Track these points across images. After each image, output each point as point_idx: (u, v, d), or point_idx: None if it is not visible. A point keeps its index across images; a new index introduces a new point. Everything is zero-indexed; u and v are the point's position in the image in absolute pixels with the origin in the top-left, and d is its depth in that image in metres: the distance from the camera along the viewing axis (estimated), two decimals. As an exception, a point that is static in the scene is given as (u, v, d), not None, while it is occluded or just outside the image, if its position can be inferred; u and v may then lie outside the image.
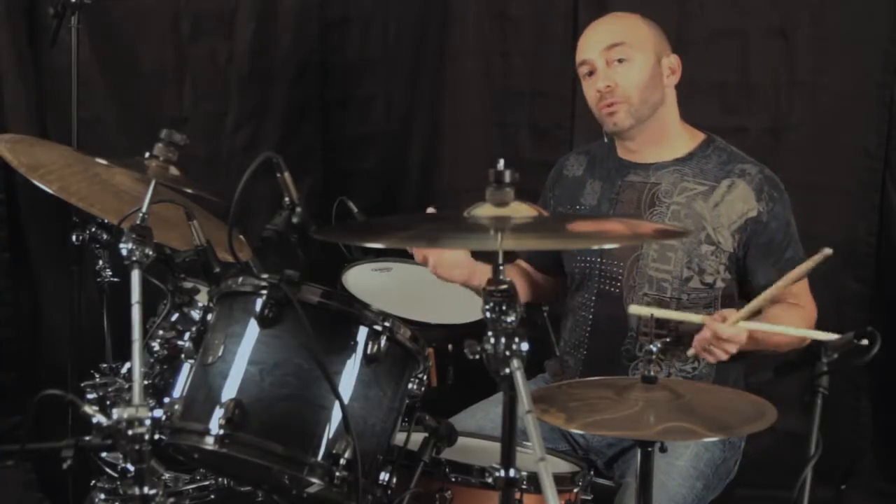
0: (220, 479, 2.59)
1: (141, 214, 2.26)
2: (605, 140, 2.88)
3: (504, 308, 1.73)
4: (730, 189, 2.70)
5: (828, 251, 2.39)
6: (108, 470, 2.56)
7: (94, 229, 2.74)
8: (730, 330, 2.44)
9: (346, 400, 2.10)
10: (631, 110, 2.70)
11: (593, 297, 2.78)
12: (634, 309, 2.59)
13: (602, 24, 2.80)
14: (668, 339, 2.66)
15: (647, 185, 2.76)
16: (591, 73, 2.74)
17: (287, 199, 2.14)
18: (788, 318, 2.65)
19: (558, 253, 2.92)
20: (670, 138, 2.77)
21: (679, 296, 2.68)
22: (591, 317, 2.78)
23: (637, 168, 2.79)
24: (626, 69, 2.70)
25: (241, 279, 2.22)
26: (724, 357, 2.48)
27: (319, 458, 2.09)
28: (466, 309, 2.86)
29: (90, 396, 2.55)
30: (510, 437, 1.79)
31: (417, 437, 2.30)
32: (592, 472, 2.49)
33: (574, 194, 2.88)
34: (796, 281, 2.48)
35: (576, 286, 2.84)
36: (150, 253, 2.22)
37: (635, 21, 2.78)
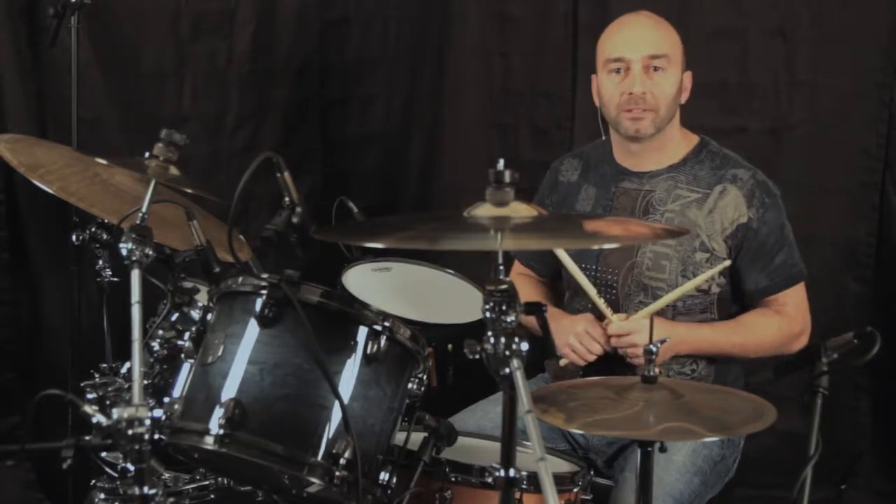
0: (219, 479, 2.59)
1: (141, 214, 2.26)
2: (603, 138, 2.87)
3: (504, 308, 1.74)
4: (721, 195, 2.70)
5: (727, 262, 2.56)
6: (108, 470, 2.56)
7: (94, 229, 2.74)
8: (621, 324, 2.56)
9: (345, 400, 2.10)
10: (656, 120, 2.70)
11: (590, 305, 2.78)
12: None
13: (647, 29, 2.74)
14: (668, 340, 2.67)
15: (640, 193, 2.76)
16: (620, 71, 2.70)
17: (287, 199, 2.14)
18: (764, 326, 2.70)
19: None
20: (669, 146, 2.77)
21: (675, 303, 2.68)
22: None
23: (632, 175, 2.79)
24: (661, 79, 2.68)
25: (240, 279, 2.22)
26: (640, 354, 2.41)
27: (319, 457, 2.09)
28: (466, 309, 2.85)
29: (90, 396, 2.54)
30: (510, 436, 1.79)
31: (417, 437, 2.31)
32: (592, 472, 2.49)
33: (569, 200, 2.88)
34: (693, 288, 2.57)
35: (573, 293, 2.84)
36: (150, 253, 2.22)
37: (673, 32, 2.76)
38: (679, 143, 2.78)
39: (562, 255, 2.66)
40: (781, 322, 2.71)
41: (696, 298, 2.69)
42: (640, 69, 2.67)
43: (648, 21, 2.76)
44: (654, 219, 2.72)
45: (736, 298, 2.76)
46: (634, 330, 2.56)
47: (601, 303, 2.63)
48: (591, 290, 2.64)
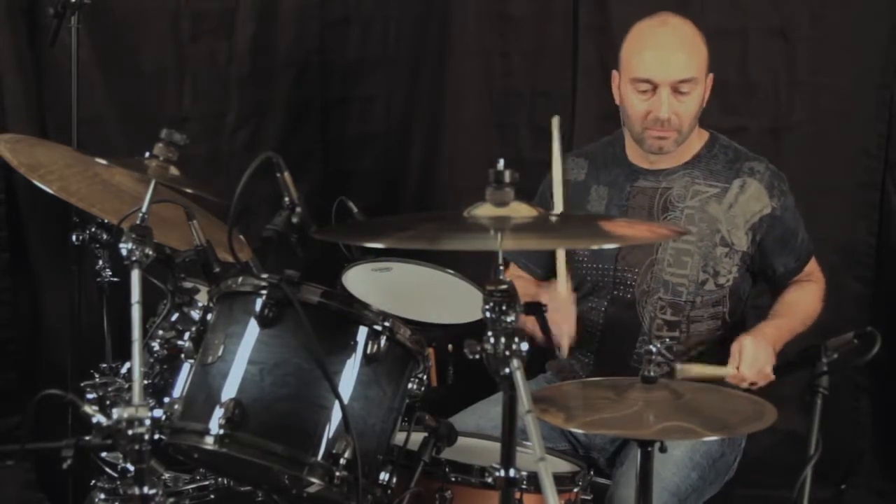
0: (219, 479, 2.59)
1: (141, 214, 2.26)
2: (622, 148, 2.86)
3: (504, 308, 1.74)
4: (742, 189, 2.74)
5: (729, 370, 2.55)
6: (108, 470, 2.56)
7: (94, 229, 2.74)
8: (745, 372, 2.53)
9: (345, 400, 2.10)
10: (679, 138, 2.71)
11: (605, 302, 2.79)
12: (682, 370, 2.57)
13: (676, 50, 2.68)
14: (679, 338, 2.72)
15: (658, 190, 2.77)
16: (646, 91, 2.67)
17: (287, 198, 2.14)
18: (805, 298, 2.82)
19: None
20: (684, 145, 2.77)
21: (694, 298, 2.72)
22: (601, 321, 2.79)
23: (647, 174, 2.80)
24: (687, 101, 2.67)
25: (240, 279, 2.22)
26: (770, 373, 2.55)
27: (319, 457, 2.09)
28: (466, 309, 2.85)
29: (90, 396, 2.54)
30: (510, 436, 1.79)
31: (417, 437, 2.31)
32: (592, 472, 2.49)
33: (578, 200, 2.87)
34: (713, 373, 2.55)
35: (585, 293, 2.83)
36: (150, 253, 2.22)
37: (700, 43, 2.71)
38: (693, 139, 2.79)
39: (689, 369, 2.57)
40: (818, 287, 2.87)
41: (714, 294, 2.72)
42: (667, 93, 2.65)
43: (677, 39, 2.70)
44: (674, 216, 2.73)
45: (765, 279, 2.85)
46: (754, 370, 2.54)
47: (711, 371, 2.58)
48: (718, 371, 2.57)
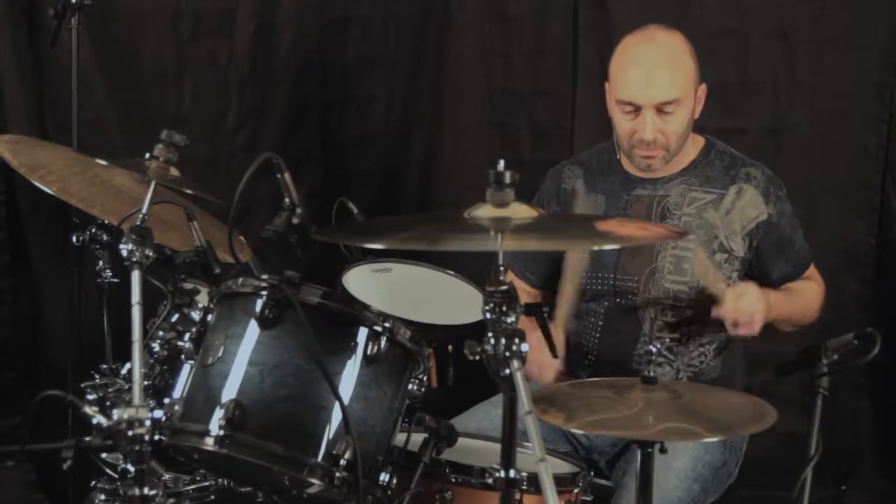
0: (220, 480, 2.59)
1: (141, 215, 2.26)
2: (617, 156, 2.85)
3: (504, 309, 1.74)
4: (739, 195, 2.73)
5: None
6: (108, 470, 2.56)
7: (94, 230, 2.74)
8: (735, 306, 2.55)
9: (346, 401, 2.10)
10: (667, 156, 2.70)
11: (602, 309, 2.79)
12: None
13: (660, 69, 2.63)
14: (678, 336, 2.72)
15: (655, 198, 2.76)
16: (630, 112, 2.65)
17: (287, 199, 2.14)
18: (807, 290, 2.82)
19: (558, 266, 2.92)
20: (681, 153, 2.77)
21: (694, 304, 2.70)
22: (601, 323, 2.79)
23: (644, 182, 2.79)
24: (673, 119, 2.65)
25: (241, 280, 2.22)
26: (758, 321, 2.55)
27: (319, 458, 2.09)
28: (466, 309, 2.85)
29: (90, 397, 2.54)
30: (510, 437, 1.79)
31: (417, 438, 2.31)
32: (593, 473, 2.49)
33: (575, 209, 2.87)
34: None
35: (585, 300, 2.83)
36: (150, 254, 2.22)
37: (687, 63, 2.67)
38: (688, 147, 2.78)
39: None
40: (818, 287, 2.86)
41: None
42: (651, 114, 2.62)
43: (662, 57, 2.66)
44: (672, 223, 2.72)
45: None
46: (745, 312, 2.56)
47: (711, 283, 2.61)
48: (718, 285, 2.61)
